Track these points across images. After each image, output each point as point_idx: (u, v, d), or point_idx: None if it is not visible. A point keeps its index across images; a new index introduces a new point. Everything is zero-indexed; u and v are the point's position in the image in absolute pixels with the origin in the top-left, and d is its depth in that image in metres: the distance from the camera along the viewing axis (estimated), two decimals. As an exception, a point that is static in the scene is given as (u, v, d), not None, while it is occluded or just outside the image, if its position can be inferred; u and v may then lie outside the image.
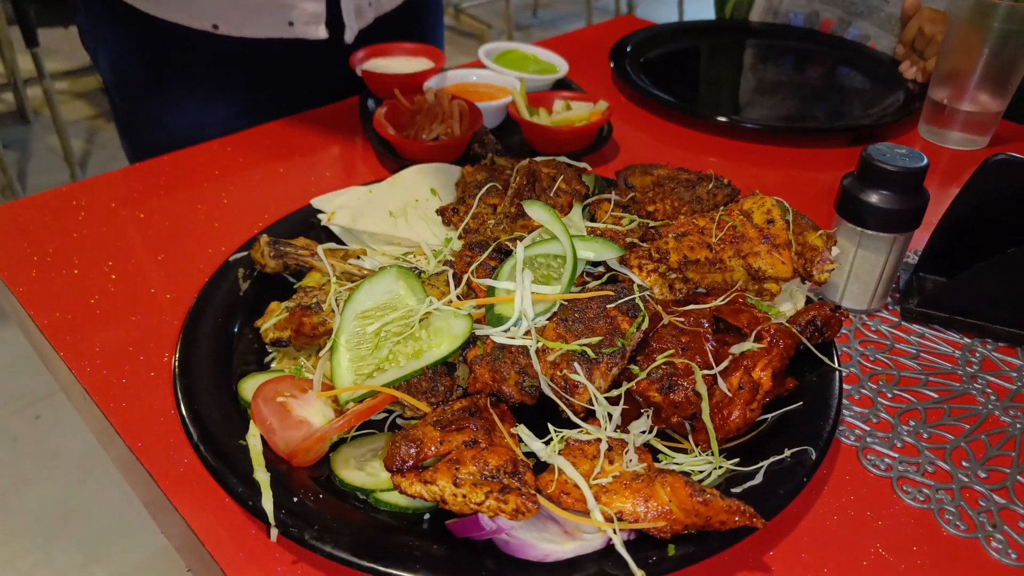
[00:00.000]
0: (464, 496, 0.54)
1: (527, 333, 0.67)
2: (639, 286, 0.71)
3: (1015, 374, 0.77)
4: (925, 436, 0.70)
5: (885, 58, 1.46)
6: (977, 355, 0.79)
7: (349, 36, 1.30)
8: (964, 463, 0.67)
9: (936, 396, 0.74)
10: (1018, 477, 0.66)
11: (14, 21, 3.34)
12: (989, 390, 0.75)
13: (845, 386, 0.75)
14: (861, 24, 1.55)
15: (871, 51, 1.50)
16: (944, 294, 0.82)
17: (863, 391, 0.75)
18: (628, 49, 1.47)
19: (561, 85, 1.32)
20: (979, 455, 0.68)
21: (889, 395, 0.74)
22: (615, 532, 0.54)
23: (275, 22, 1.23)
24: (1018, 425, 0.71)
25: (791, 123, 1.28)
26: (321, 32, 1.26)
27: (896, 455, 0.68)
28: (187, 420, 0.64)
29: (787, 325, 0.70)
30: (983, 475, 0.66)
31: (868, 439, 0.69)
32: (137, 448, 0.68)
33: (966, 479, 0.66)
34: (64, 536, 1.96)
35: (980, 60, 1.17)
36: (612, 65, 1.39)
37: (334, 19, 1.27)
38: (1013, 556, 0.59)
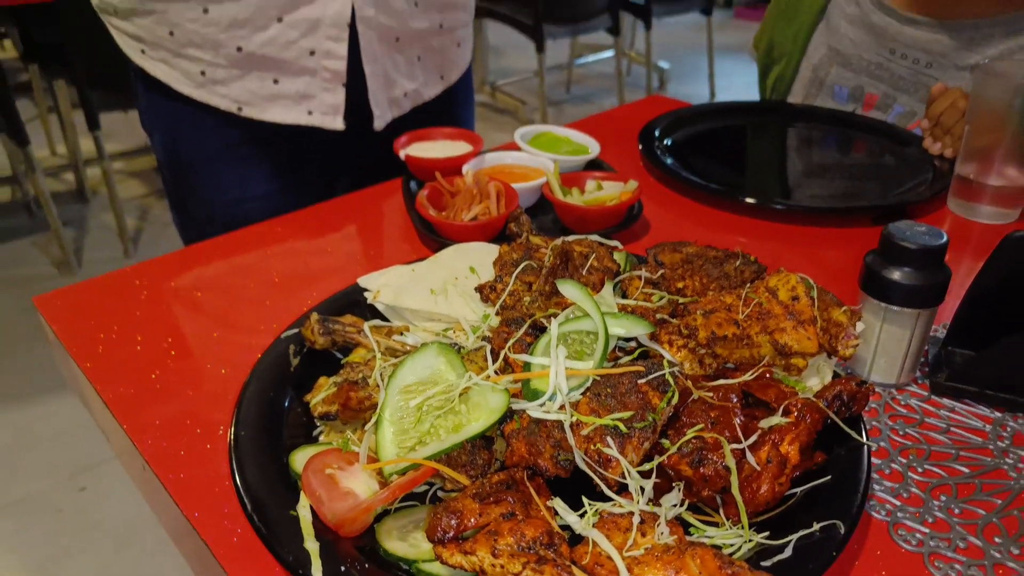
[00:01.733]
0: (502, 566, 0.57)
1: (561, 407, 0.70)
2: (669, 361, 0.74)
3: (1047, 448, 0.78)
4: (956, 511, 0.70)
5: (912, 136, 1.49)
6: (1008, 429, 0.80)
7: (379, 124, 1.39)
8: (996, 539, 0.67)
9: (967, 471, 0.75)
10: (1052, 553, 0.66)
11: (78, 105, 3.56)
12: (1021, 464, 0.76)
13: (875, 460, 0.77)
14: (906, 100, 1.59)
15: (898, 129, 1.54)
16: (973, 368, 0.84)
17: (893, 465, 0.76)
18: (656, 132, 1.53)
19: (593, 165, 1.38)
20: (1012, 531, 0.68)
21: (920, 469, 0.75)
22: (647, 603, 0.56)
23: (295, 110, 1.32)
24: (1051, 500, 0.72)
25: (817, 202, 1.32)
26: (338, 123, 1.35)
27: (927, 530, 0.69)
28: (241, 491, 0.68)
29: (814, 399, 0.72)
30: (1016, 551, 0.66)
31: (899, 514, 0.70)
32: (194, 518, 0.72)
33: (999, 555, 0.66)
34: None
35: (1005, 137, 1.20)
36: (641, 147, 1.45)
37: (364, 107, 1.36)
38: (1048, 633, 0.60)
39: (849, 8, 1.63)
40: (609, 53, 6.15)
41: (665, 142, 1.51)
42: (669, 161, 1.42)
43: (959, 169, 1.27)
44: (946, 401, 0.84)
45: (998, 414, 0.82)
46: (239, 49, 1.26)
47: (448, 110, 1.56)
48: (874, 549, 0.68)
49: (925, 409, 0.83)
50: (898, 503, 0.72)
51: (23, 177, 4.07)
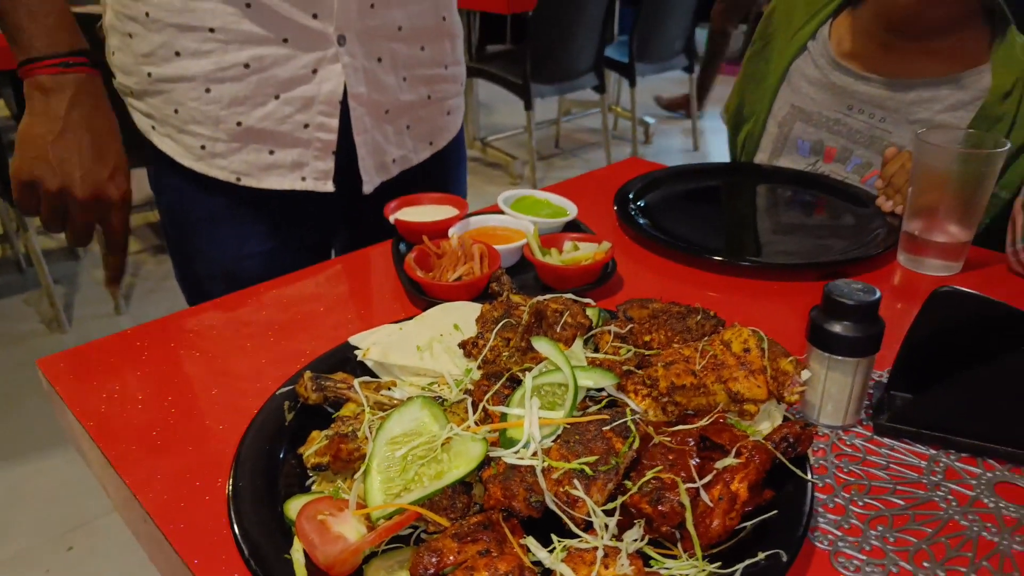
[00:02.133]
0: (478, 598, 0.64)
1: (534, 454, 0.77)
2: (631, 410, 0.82)
3: (975, 481, 0.85)
4: (891, 540, 0.78)
5: (870, 196, 1.60)
6: (941, 465, 0.88)
7: (368, 188, 1.49)
8: (925, 563, 0.75)
9: (903, 503, 0.82)
10: (973, 575, 0.73)
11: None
12: (951, 497, 0.83)
13: (820, 495, 0.84)
14: (862, 152, 1.72)
15: (857, 188, 1.65)
16: (910, 410, 0.92)
17: (837, 500, 0.83)
18: (631, 194, 1.63)
19: (571, 227, 1.48)
20: (939, 556, 0.75)
21: (860, 503, 0.83)
22: (608, 627, 0.62)
23: (289, 178, 1.42)
24: (975, 528, 0.79)
25: (780, 258, 1.42)
26: (328, 187, 1.46)
27: (865, 557, 0.76)
28: (239, 538, 0.75)
29: (763, 442, 0.80)
30: (942, 574, 0.73)
31: (840, 543, 0.78)
32: (194, 564, 0.78)
33: (928, 579, 0.73)
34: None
35: (946, 197, 1.30)
36: (616, 208, 1.55)
37: (355, 172, 1.46)
38: (969, 649, 0.66)
39: (809, 70, 1.76)
40: (596, 110, 6.36)
41: (639, 203, 1.62)
42: (642, 221, 1.52)
43: (905, 226, 1.37)
44: (887, 440, 0.92)
45: (933, 451, 0.90)
46: (238, 124, 1.36)
47: (438, 173, 1.65)
48: (816, 575, 0.75)
49: (868, 448, 0.91)
50: (839, 533, 0.79)
51: (14, 235, 4.15)
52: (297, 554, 0.74)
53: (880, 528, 0.79)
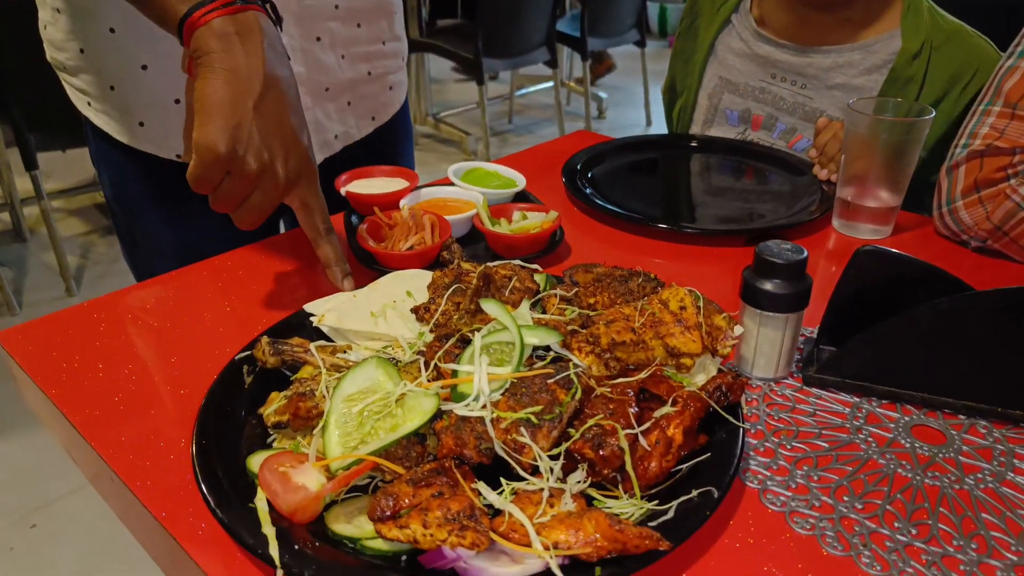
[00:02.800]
0: (432, 535, 0.68)
1: (484, 406, 0.82)
2: (574, 364, 0.87)
3: (893, 425, 0.93)
4: (815, 478, 0.84)
5: (805, 164, 1.68)
6: (863, 411, 0.95)
7: None
8: (845, 498, 0.82)
9: (827, 446, 0.89)
10: (888, 507, 0.80)
11: (13, 144, 3.55)
12: (871, 439, 0.90)
13: (752, 441, 0.91)
14: (787, 119, 1.80)
15: (793, 157, 1.72)
16: (835, 362, 0.99)
17: (767, 444, 0.90)
18: (578, 165, 1.68)
19: (520, 197, 1.52)
20: (858, 491, 0.82)
21: (788, 447, 0.89)
22: (551, 558, 0.68)
23: None
24: (891, 466, 0.86)
25: (718, 224, 1.48)
26: None
27: (790, 494, 0.82)
28: (204, 489, 0.78)
29: (698, 391, 0.86)
30: (859, 506, 0.80)
31: (768, 482, 0.84)
32: (162, 517, 0.81)
33: (845, 510, 0.80)
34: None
35: (875, 165, 1.38)
36: (564, 180, 1.60)
37: None
38: (878, 568, 0.73)
39: (734, 43, 1.85)
40: (549, 84, 6.37)
41: (587, 174, 1.66)
42: (588, 191, 1.57)
43: (839, 193, 1.45)
44: (815, 390, 0.99)
45: (856, 399, 0.97)
46: (176, 101, 1.35)
47: (383, 147, 1.67)
48: (746, 511, 0.81)
49: (797, 398, 0.98)
50: (768, 474, 0.85)
51: (-42, 219, 4.03)
52: (261, 503, 0.77)
53: (806, 468, 0.86)
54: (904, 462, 0.87)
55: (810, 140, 1.78)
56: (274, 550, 0.70)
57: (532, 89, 6.73)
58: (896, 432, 0.92)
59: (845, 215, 1.45)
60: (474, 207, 1.41)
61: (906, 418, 0.94)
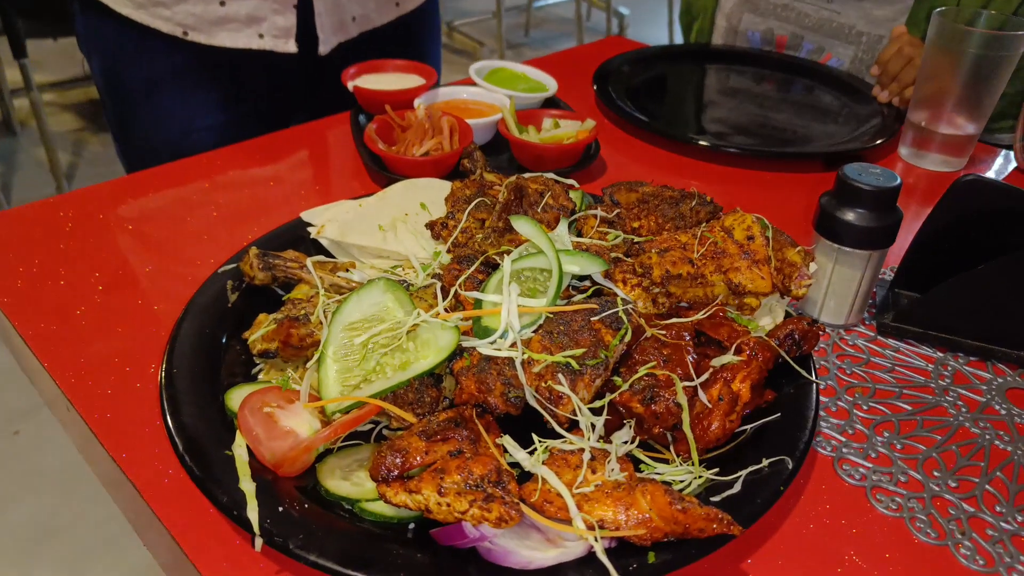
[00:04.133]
0: (448, 505, 0.55)
1: (513, 345, 0.68)
2: (623, 299, 0.72)
3: (984, 387, 0.79)
4: (899, 447, 0.71)
5: (864, 84, 1.49)
6: (949, 368, 0.81)
7: (324, 49, 1.32)
8: (935, 473, 0.69)
9: (909, 408, 0.76)
10: (987, 487, 0.68)
11: (1, 32, 3.33)
12: (960, 403, 0.77)
13: (822, 398, 0.77)
14: (812, 37, 1.61)
15: (851, 76, 1.53)
16: (917, 309, 0.84)
17: (839, 403, 0.77)
18: (612, 72, 1.49)
19: (550, 104, 1.35)
20: (950, 465, 0.70)
21: (864, 407, 0.76)
22: (596, 540, 0.55)
23: (245, 33, 1.25)
24: (987, 436, 0.73)
25: (771, 145, 1.31)
26: (291, 46, 1.28)
27: (870, 465, 0.69)
28: (172, 431, 0.65)
29: (766, 338, 0.72)
30: (953, 484, 0.68)
31: (844, 450, 0.71)
32: (121, 459, 0.68)
33: (937, 488, 0.67)
34: (46, 555, 1.94)
35: (956, 84, 1.20)
36: (595, 88, 1.42)
37: (310, 32, 1.29)
38: (981, 562, 0.61)
39: None
40: (569, -2, 6.02)
41: (622, 84, 1.48)
42: (625, 103, 1.39)
43: (910, 116, 1.27)
44: (891, 342, 0.85)
45: (940, 354, 0.84)
46: None
47: (407, 41, 1.48)
48: (819, 483, 0.68)
49: (871, 349, 0.84)
50: (843, 439, 0.72)
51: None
52: (239, 450, 0.64)
53: (886, 434, 0.73)
54: (1001, 432, 0.74)
55: (841, 61, 1.59)
56: (253, 512, 0.58)
57: (551, 1, 6.37)
58: (989, 395, 0.78)
59: (915, 142, 1.28)
60: (499, 111, 1.24)
61: (999, 379, 0.81)
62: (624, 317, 0.69)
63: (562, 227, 0.85)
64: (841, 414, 0.75)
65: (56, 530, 2.00)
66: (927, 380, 0.80)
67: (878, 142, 1.28)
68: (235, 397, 0.69)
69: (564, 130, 1.20)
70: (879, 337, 0.86)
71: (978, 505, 0.66)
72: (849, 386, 0.79)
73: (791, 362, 0.71)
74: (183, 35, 1.23)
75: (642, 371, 0.67)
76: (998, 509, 0.66)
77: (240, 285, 0.84)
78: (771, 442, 0.66)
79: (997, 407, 0.77)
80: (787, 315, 0.81)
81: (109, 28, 1.25)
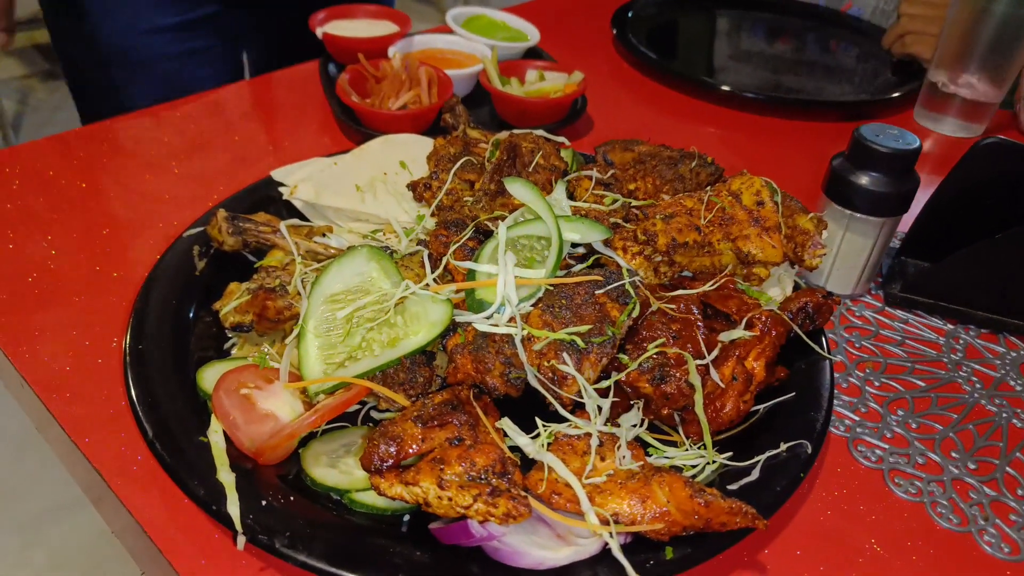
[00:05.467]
0: (450, 499, 0.51)
1: (511, 320, 0.63)
2: (628, 271, 0.67)
3: (998, 361, 0.76)
4: (914, 426, 0.68)
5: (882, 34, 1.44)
6: (961, 342, 0.78)
7: None
8: (954, 454, 0.66)
9: (923, 384, 0.73)
10: (1007, 468, 0.65)
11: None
12: (974, 378, 0.74)
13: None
14: None
15: (868, 26, 1.48)
16: (927, 279, 0.81)
17: (851, 379, 0.73)
18: (629, 17, 1.42)
19: (532, 54, 1.27)
20: (968, 446, 0.67)
21: (876, 383, 0.73)
22: (612, 536, 0.51)
23: None
24: (1004, 414, 0.70)
25: (780, 94, 1.26)
26: None
27: (887, 446, 0.66)
28: (141, 416, 0.59)
29: (779, 312, 0.67)
30: (973, 466, 0.65)
31: (858, 429, 0.68)
32: (84, 444, 0.62)
33: (956, 471, 0.64)
34: (1, 519, 1.87)
35: (980, 45, 1.15)
36: (615, 31, 1.35)
37: None
38: (1006, 550, 0.59)
39: None
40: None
41: (635, 28, 1.41)
42: (640, 47, 1.32)
43: (930, 75, 1.22)
44: (900, 312, 0.82)
45: (950, 326, 0.80)
46: None
47: None
48: (834, 466, 0.65)
49: (880, 321, 0.81)
50: (857, 418, 0.69)
51: None
52: (216, 436, 0.58)
53: (901, 412, 0.70)
54: (1018, 409, 0.71)
55: (861, 10, 1.53)
56: (234, 506, 0.52)
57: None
58: (1003, 371, 0.75)
59: (931, 105, 1.23)
60: (479, 62, 1.17)
61: (1012, 353, 0.78)
62: (631, 290, 0.64)
63: (559, 190, 0.80)
64: (853, 391, 0.72)
65: (10, 493, 1.92)
66: (939, 354, 0.77)
67: (895, 95, 1.24)
68: (208, 376, 0.63)
69: (550, 83, 1.13)
70: (887, 308, 0.82)
71: (999, 488, 0.63)
72: (859, 360, 0.75)
73: (806, 339, 0.67)
74: None
75: (652, 349, 0.62)
76: (1020, 493, 0.63)
77: (207, 251, 0.77)
78: (786, 424, 0.62)
79: (1012, 383, 0.74)
80: (795, 285, 0.76)
81: None
